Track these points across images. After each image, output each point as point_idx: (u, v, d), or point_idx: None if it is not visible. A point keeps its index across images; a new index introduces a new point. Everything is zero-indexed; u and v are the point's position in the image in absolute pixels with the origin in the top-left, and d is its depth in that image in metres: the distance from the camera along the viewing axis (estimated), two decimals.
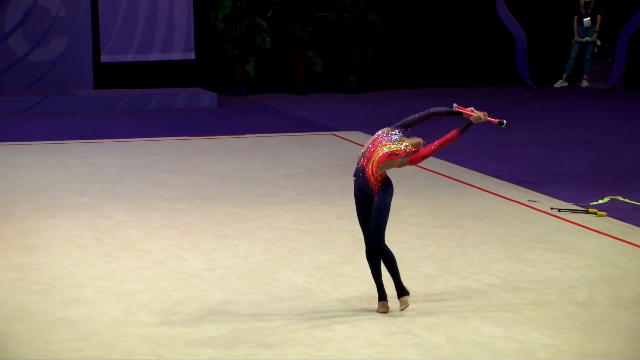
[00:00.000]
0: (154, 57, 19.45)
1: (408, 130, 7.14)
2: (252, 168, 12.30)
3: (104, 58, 19.19)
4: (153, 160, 12.77)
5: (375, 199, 6.85)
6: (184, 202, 10.38)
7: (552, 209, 9.89)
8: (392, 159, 6.89)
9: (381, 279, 6.97)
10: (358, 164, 6.95)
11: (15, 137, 14.56)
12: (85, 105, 17.70)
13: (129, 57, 19.34)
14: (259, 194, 10.78)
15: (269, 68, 20.19)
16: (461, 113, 7.17)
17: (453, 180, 11.44)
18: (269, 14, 19.82)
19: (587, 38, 20.45)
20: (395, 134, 7.02)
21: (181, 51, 19.51)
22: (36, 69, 18.70)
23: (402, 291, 6.94)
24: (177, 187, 11.16)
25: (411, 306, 6.97)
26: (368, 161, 6.89)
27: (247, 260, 8.21)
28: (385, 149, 6.93)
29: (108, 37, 19.17)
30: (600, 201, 10.23)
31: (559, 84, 20.75)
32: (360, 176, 6.90)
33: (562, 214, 9.67)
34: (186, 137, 14.73)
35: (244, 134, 15.05)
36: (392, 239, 8.74)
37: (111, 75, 19.35)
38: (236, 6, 19.60)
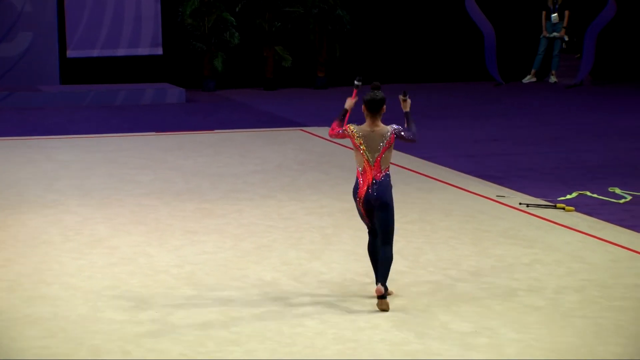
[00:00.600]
0: (121, 52, 19.37)
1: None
2: (220, 164, 12.28)
3: (70, 53, 19.08)
4: (121, 156, 12.72)
5: (381, 201, 6.96)
6: (152, 198, 10.35)
7: (520, 204, 9.95)
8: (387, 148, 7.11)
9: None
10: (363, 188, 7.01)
11: None
12: (51, 101, 17.59)
13: (96, 52, 19.25)
14: (228, 190, 10.77)
15: (237, 63, 20.15)
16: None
17: (422, 176, 11.48)
18: (237, 9, 19.78)
19: (554, 34, 20.57)
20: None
21: (148, 46, 19.45)
22: (1, 64, 18.56)
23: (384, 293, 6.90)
24: (145, 183, 11.12)
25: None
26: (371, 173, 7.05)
27: (216, 256, 8.20)
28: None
29: (74, 32, 19.06)
30: (569, 196, 10.31)
31: (527, 79, 20.86)
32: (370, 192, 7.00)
33: (531, 209, 9.74)
34: (154, 133, 14.68)
35: (213, 129, 15.02)
36: (361, 234, 8.77)
37: (78, 71, 19.24)
38: (204, 1, 19.55)
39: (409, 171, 11.75)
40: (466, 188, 10.78)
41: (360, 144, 7.12)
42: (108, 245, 8.51)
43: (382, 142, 7.10)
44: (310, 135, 14.52)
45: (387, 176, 7.10)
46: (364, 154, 7.09)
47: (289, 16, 20.06)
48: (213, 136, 14.43)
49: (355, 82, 7.58)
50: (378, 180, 7.02)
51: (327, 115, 16.60)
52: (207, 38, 19.61)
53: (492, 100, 18.51)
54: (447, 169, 11.94)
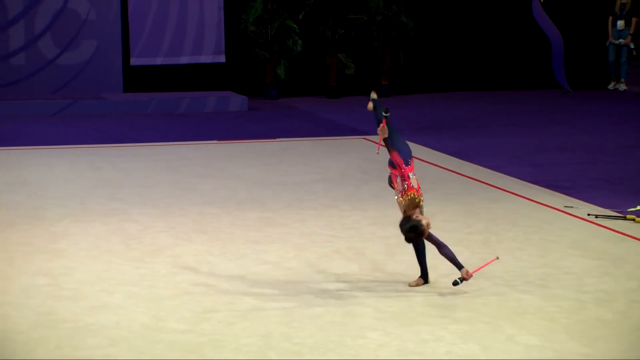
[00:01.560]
0: (184, 60, 19.54)
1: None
2: (282, 173, 12.31)
3: (134, 61, 19.28)
4: (183, 165, 12.81)
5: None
6: (214, 207, 10.41)
7: (589, 215, 9.82)
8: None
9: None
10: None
11: (45, 141, 14.67)
12: (114, 109, 17.79)
13: (159, 60, 19.43)
14: (290, 199, 10.79)
15: (300, 71, 20.20)
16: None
17: (487, 186, 11.39)
18: (300, 16, 19.84)
19: (620, 40, 20.31)
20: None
21: (211, 54, 19.59)
22: (65, 72, 18.82)
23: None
24: (208, 191, 11.19)
25: (444, 313, 6.95)
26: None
27: (278, 266, 8.21)
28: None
29: (138, 40, 19.27)
30: (639, 207, 10.14)
31: (612, 86, 20.65)
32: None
33: (600, 221, 9.60)
34: (216, 141, 14.77)
35: (275, 138, 15.07)
36: (425, 245, 8.71)
37: (141, 79, 19.44)
38: (267, 8, 19.64)
39: (474, 180, 11.67)
40: (532, 198, 10.67)
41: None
42: (170, 254, 8.57)
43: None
44: (374, 143, 14.49)
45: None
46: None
47: (353, 23, 20.06)
48: (275, 144, 14.48)
49: (384, 114, 7.90)
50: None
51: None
52: (270, 45, 19.69)
53: (560, 109, 18.32)
54: (513, 178, 11.83)
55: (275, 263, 8.30)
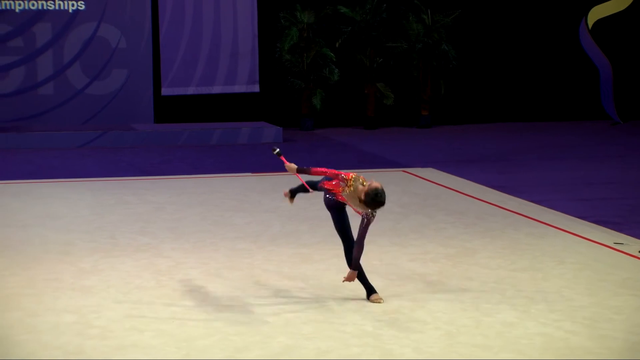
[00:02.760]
0: (217, 89, 19.68)
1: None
2: (318, 207, 12.30)
3: (165, 91, 19.45)
4: (215, 198, 12.87)
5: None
6: (247, 241, 10.44)
7: None
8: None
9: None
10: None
11: (73, 174, 14.80)
12: (145, 140, 17.94)
13: (191, 90, 19.59)
14: (326, 234, 10.79)
15: (336, 101, 20.28)
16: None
17: (532, 221, 11.35)
18: (337, 44, 19.94)
19: None
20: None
21: (245, 83, 19.72)
22: (95, 102, 19.02)
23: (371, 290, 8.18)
24: (240, 226, 11.22)
25: (489, 353, 6.91)
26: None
27: (314, 303, 8.21)
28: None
29: (169, 69, 19.44)
30: None
31: None
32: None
33: None
34: (250, 174, 14.83)
35: None
36: (467, 283, 8.69)
37: (172, 109, 19.60)
38: (303, 36, 19.76)
39: (518, 215, 11.63)
40: (580, 234, 10.61)
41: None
42: (202, 290, 8.59)
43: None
44: (414, 176, 14.49)
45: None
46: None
47: (392, 52, 20.13)
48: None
49: (276, 151, 8.73)
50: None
51: (432, 156, 16.57)
52: (306, 75, 19.79)
53: (609, 140, 18.23)
54: (560, 213, 11.77)
55: (311, 301, 8.29)
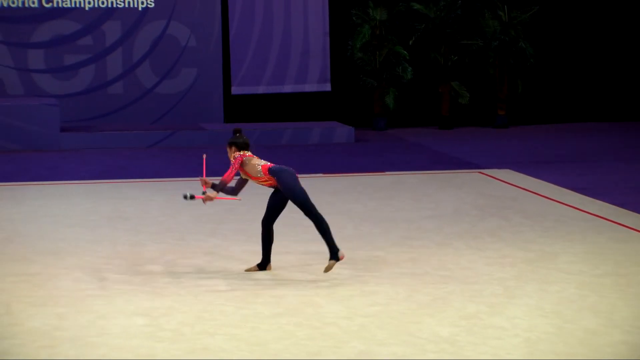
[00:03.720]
0: (288, 88, 19.74)
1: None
2: (392, 208, 12.31)
3: (235, 90, 19.56)
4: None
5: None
6: (320, 244, 10.43)
7: None
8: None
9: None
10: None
11: (142, 174, 14.95)
12: (215, 140, 18.05)
13: (261, 89, 19.67)
14: (400, 237, 10.77)
15: (410, 100, 20.23)
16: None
17: (615, 224, 11.21)
18: (410, 42, 19.89)
19: None
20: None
21: (316, 82, 19.75)
22: (164, 101, 19.19)
23: (334, 254, 8.95)
24: (312, 228, 11.21)
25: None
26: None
27: (388, 308, 8.20)
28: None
29: (239, 68, 19.55)
30: None
31: None
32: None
33: None
34: (321, 175, 14.85)
35: (383, 171, 15.09)
36: (547, 287, 8.61)
37: (242, 108, 19.70)
38: (375, 34, 19.74)
39: (600, 219, 11.50)
40: None
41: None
42: (274, 294, 8.63)
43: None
44: (490, 178, 14.40)
45: None
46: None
47: (467, 49, 20.02)
48: (384, 178, 14.48)
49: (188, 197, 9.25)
50: None
51: (508, 157, 16.45)
52: (378, 73, 19.77)
53: None
54: None
55: (385, 305, 8.28)
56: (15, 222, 11.51)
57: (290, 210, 12.16)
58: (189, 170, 15.42)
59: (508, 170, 14.92)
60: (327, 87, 19.79)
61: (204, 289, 8.77)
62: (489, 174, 14.68)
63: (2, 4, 18.63)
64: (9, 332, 7.54)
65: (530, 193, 13.19)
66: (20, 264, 9.64)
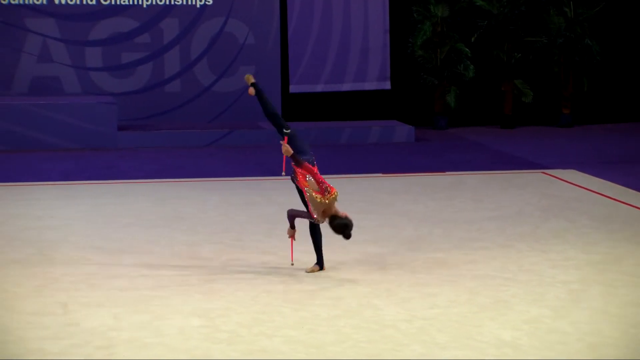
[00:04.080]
0: (346, 87, 19.73)
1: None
2: (453, 209, 12.26)
3: (293, 88, 19.59)
4: (344, 199, 12.82)
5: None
6: (378, 245, 10.44)
7: None
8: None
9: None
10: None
11: (199, 173, 15.04)
12: (272, 139, 18.06)
13: (319, 87, 19.68)
14: (461, 238, 10.73)
15: (471, 99, 20.13)
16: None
17: None
18: (472, 39, 19.79)
19: None
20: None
21: (376, 80, 19.73)
22: (222, 100, 19.27)
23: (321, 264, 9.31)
24: (370, 229, 11.23)
25: None
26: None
27: (448, 311, 8.17)
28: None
29: (297, 66, 19.58)
30: None
31: None
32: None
33: None
34: (380, 174, 14.83)
35: (444, 171, 15.03)
36: (612, 291, 8.53)
37: (300, 107, 19.73)
38: (436, 31, 19.67)
39: None
40: None
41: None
42: (331, 296, 8.63)
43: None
44: (554, 178, 14.29)
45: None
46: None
47: (531, 46, 19.88)
48: (444, 178, 14.43)
49: (285, 131, 9.31)
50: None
51: (573, 157, 16.31)
52: (439, 71, 19.70)
53: None
54: None
55: (445, 308, 8.25)
56: (72, 222, 11.64)
57: (348, 211, 12.15)
58: (246, 169, 15.48)
59: (572, 171, 14.80)
60: (387, 85, 19.75)
61: (261, 290, 8.80)
62: (552, 174, 14.57)
63: (60, 1, 18.84)
64: (66, 333, 7.63)
65: (596, 194, 13.07)
66: (76, 264, 9.74)
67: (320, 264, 9.43)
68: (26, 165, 15.76)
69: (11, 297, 8.55)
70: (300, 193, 9.31)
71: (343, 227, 8.93)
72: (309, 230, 9.38)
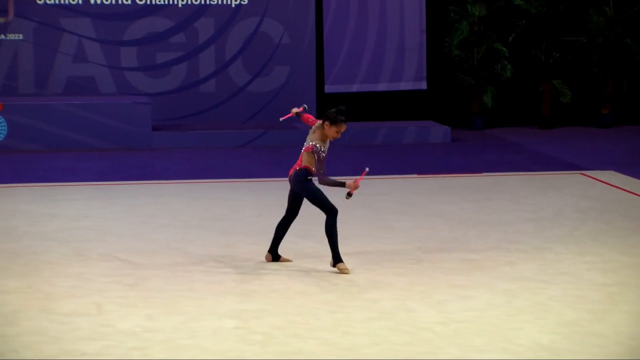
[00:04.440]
0: (382, 87, 19.73)
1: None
2: (489, 211, 12.24)
3: (328, 88, 19.61)
4: (379, 200, 12.92)
5: (295, 187, 9.66)
6: (413, 247, 10.44)
7: None
8: (308, 151, 9.61)
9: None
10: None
11: (233, 174, 15.09)
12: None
13: (355, 87, 19.70)
14: (498, 240, 10.71)
15: (509, 99, 20.07)
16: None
17: None
18: (510, 38, 19.74)
19: None
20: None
21: (412, 80, 19.71)
22: (257, 100, 19.32)
23: (338, 259, 9.39)
24: (405, 230, 11.24)
25: None
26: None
27: (485, 313, 8.16)
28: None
29: (333, 66, 19.59)
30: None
31: None
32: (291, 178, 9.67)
33: None
34: (416, 175, 14.83)
35: (480, 172, 15.01)
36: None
37: (335, 107, 19.70)
38: (473, 30, 19.63)
39: None
40: None
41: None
42: (366, 297, 8.65)
43: (306, 145, 9.62)
44: (593, 180, 14.23)
45: (303, 171, 9.60)
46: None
47: (569, 46, 19.79)
48: (481, 180, 14.41)
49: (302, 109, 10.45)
50: (295, 171, 9.60)
51: (612, 158, 16.23)
52: (476, 71, 19.66)
53: None
54: None
55: (481, 310, 8.25)
56: (107, 222, 11.72)
57: (383, 212, 12.20)
58: (281, 170, 15.51)
59: (612, 172, 14.72)
60: (423, 85, 19.73)
61: (295, 292, 8.83)
62: (591, 175, 14.50)
63: (95, 0, 18.96)
64: (101, 333, 7.70)
65: (635, 196, 13.00)
66: (111, 264, 9.82)
67: (336, 259, 9.47)
68: (61, 165, 15.89)
69: (46, 298, 8.64)
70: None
71: (337, 111, 9.53)
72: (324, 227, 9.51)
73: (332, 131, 9.55)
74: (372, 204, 12.70)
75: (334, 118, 9.52)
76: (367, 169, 9.90)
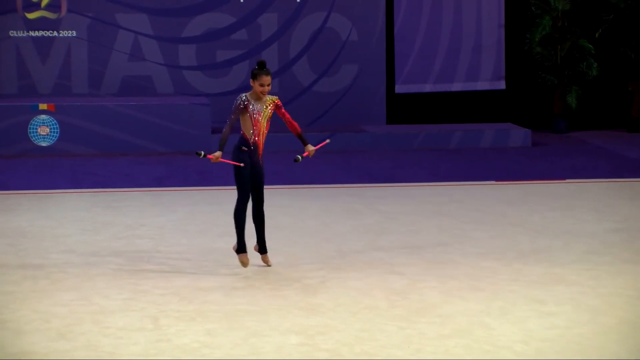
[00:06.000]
0: (457, 86, 19.67)
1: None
2: (573, 220, 12.15)
3: (399, 88, 19.59)
4: (454, 209, 12.87)
5: (262, 167, 10.30)
6: (491, 259, 10.39)
7: None
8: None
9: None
10: (251, 140, 10.30)
11: (297, 180, 15.12)
12: (376, 143, 18.13)
13: (428, 87, 19.66)
14: (582, 252, 10.63)
15: (595, 99, 19.91)
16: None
17: None
18: (596, 34, 19.58)
19: None
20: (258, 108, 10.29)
21: (489, 80, 19.63)
22: (322, 100, 19.35)
23: (264, 249, 10.10)
24: (483, 240, 11.19)
25: None
26: (259, 136, 10.42)
27: (569, 332, 8.09)
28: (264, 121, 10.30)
29: (404, 64, 19.57)
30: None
31: None
32: (253, 150, 10.32)
33: None
34: (494, 182, 14.75)
35: (564, 179, 14.90)
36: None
37: (406, 108, 19.73)
38: (557, 26, 19.50)
39: None
40: None
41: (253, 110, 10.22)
42: (440, 313, 8.61)
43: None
44: None
45: (238, 138, 10.41)
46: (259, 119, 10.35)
47: None
48: (564, 187, 14.30)
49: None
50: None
51: None
52: (559, 69, 19.53)
53: None
54: None
55: (566, 328, 8.18)
56: (164, 231, 11.80)
57: (459, 221, 12.15)
58: (347, 175, 15.52)
59: None
60: (502, 85, 19.63)
61: (362, 306, 8.82)
62: None
63: None
64: (157, 349, 7.74)
65: None
66: (168, 275, 9.88)
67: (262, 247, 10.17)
68: (116, 169, 16.04)
69: (99, 311, 8.71)
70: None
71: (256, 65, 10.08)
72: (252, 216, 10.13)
73: (256, 86, 10.09)
74: (446, 212, 12.66)
75: (253, 73, 10.12)
76: (328, 140, 10.83)
